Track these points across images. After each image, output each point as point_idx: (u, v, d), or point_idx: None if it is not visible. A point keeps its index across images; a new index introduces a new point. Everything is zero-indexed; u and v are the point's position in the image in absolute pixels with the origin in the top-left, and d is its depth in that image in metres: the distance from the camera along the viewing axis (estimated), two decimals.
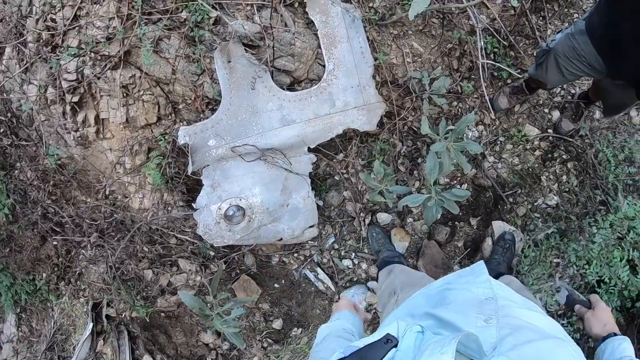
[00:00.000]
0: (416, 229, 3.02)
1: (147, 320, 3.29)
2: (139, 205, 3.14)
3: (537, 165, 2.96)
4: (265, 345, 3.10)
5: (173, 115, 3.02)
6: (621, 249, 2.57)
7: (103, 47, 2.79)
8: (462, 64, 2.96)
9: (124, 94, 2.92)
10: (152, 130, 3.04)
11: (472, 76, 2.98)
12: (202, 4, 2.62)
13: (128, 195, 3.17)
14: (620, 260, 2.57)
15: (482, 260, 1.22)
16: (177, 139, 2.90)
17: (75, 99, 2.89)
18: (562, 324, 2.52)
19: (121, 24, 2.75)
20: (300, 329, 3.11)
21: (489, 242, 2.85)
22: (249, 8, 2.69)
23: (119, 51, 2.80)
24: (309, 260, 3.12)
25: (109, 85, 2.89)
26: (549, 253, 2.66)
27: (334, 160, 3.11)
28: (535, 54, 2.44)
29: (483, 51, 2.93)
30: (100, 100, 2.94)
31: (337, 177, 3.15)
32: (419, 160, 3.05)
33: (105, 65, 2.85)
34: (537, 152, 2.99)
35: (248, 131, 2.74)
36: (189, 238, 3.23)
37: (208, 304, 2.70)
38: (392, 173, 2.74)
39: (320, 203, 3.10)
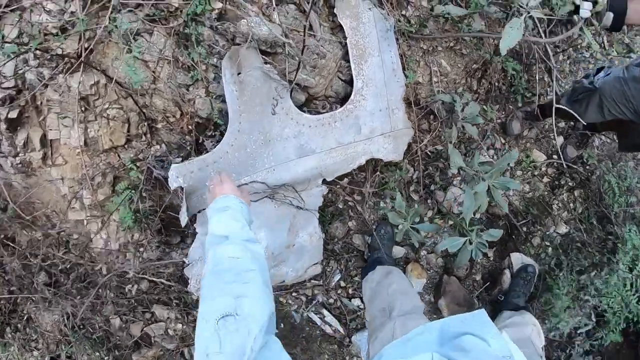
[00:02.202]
0: (431, 262, 2.57)
1: None
2: (103, 247, 2.24)
3: (546, 192, 2.67)
4: None
5: (148, 135, 2.15)
6: (631, 280, 2.41)
7: (55, 42, 1.83)
8: (481, 85, 2.51)
9: (83, 108, 1.99)
10: (118, 155, 2.15)
11: (490, 98, 2.55)
12: None
13: (86, 234, 2.24)
14: (630, 290, 2.41)
15: (483, 309, 1.09)
16: (153, 167, 2.07)
17: (13, 113, 1.90)
18: None
19: (83, 8, 1.81)
20: None
21: (507, 274, 2.51)
22: (265, 1, 1.92)
23: (78, 48, 1.87)
24: (313, 302, 2.51)
25: (62, 95, 1.94)
26: (570, 285, 2.40)
27: (338, 185, 2.51)
28: (573, 89, 2.09)
29: (504, 73, 2.52)
30: (48, 116, 1.98)
31: (340, 205, 2.56)
32: (432, 187, 2.58)
33: (57, 67, 1.89)
34: (545, 179, 2.69)
35: (257, 165, 2.01)
36: (165, 281, 2.42)
37: None
38: (406, 203, 2.26)
39: (323, 235, 2.49)
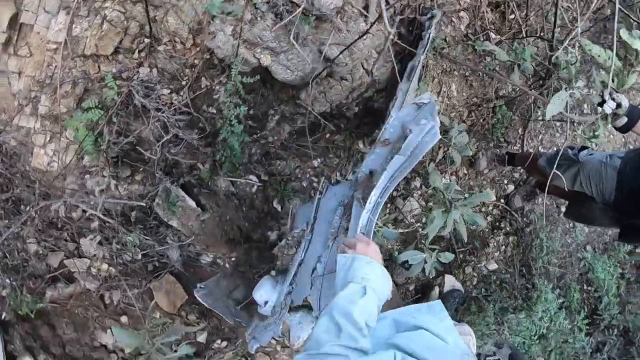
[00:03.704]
0: None
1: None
2: (44, 165, 1.86)
3: (487, 230, 2.88)
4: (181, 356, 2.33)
5: (143, 53, 1.82)
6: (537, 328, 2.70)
7: None
8: (469, 116, 2.59)
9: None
10: (99, 66, 1.79)
11: (472, 131, 2.65)
12: None
13: (28, 144, 1.84)
14: (534, 336, 2.71)
15: (440, 300, 1.12)
16: (136, 93, 1.76)
17: None
18: None
19: None
20: (226, 342, 2.43)
21: (436, 290, 2.67)
22: None
23: None
24: None
25: None
26: (490, 315, 2.63)
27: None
28: (557, 153, 2.21)
29: (493, 114, 2.63)
30: None
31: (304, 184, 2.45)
32: (394, 194, 2.62)
33: None
34: (489, 218, 2.90)
35: None
36: (101, 215, 2.11)
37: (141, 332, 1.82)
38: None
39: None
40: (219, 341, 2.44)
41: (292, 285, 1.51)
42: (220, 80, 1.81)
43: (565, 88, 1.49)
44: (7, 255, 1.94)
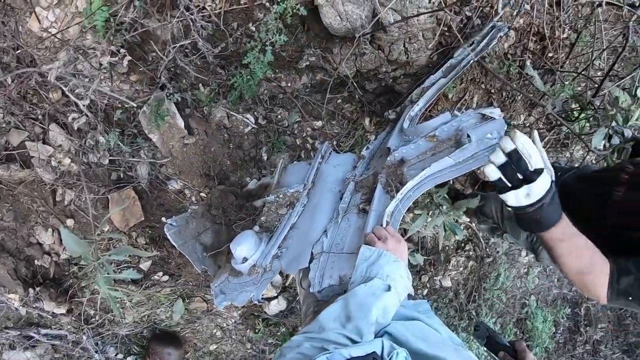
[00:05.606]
0: None
1: None
2: (40, 30, 1.65)
3: (453, 247, 2.89)
4: (117, 280, 2.19)
5: None
6: None
7: None
8: None
9: None
10: None
11: None
12: None
13: (29, 1, 1.61)
14: None
15: (426, 300, 1.08)
16: None
17: None
18: None
19: None
20: (167, 277, 2.31)
21: None
22: None
23: None
24: None
25: None
26: None
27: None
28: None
29: None
30: None
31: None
32: None
33: None
34: (457, 236, 2.93)
35: None
36: (82, 104, 1.91)
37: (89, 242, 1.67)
38: None
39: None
40: (160, 273, 2.32)
41: (280, 250, 1.41)
42: (263, 2, 1.65)
43: (606, 126, 1.50)
44: None
